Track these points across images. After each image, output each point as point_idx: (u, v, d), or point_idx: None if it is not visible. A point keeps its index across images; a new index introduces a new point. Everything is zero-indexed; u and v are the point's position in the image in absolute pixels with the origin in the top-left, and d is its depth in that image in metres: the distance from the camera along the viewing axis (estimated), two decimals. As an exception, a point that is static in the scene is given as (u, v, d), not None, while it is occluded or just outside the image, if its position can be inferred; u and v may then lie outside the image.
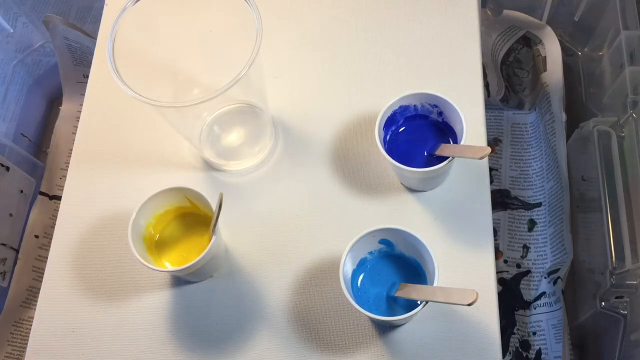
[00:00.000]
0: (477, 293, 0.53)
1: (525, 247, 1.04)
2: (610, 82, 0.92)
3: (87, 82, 0.80)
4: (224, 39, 0.64)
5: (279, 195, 0.71)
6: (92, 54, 0.82)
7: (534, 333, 0.98)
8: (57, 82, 1.20)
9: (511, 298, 1.01)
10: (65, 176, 0.75)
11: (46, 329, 0.68)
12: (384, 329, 0.64)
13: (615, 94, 0.90)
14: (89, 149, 0.76)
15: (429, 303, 0.57)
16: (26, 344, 0.68)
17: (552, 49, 1.05)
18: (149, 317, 0.67)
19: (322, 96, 0.76)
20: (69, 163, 0.76)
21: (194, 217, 0.67)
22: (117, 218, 0.71)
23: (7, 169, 1.06)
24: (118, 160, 0.75)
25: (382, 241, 0.61)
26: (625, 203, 0.83)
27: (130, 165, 0.74)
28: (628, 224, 0.82)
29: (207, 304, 0.67)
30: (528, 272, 1.02)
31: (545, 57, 1.06)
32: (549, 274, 0.98)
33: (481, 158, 0.60)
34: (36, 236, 1.09)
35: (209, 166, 0.73)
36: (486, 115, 0.73)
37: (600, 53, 0.98)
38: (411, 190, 0.70)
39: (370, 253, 0.62)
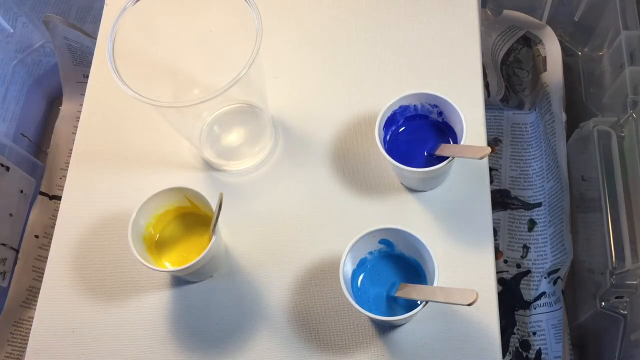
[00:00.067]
0: (477, 293, 0.53)
1: (525, 247, 1.04)
2: (610, 82, 0.92)
3: (87, 82, 0.80)
4: (224, 39, 0.64)
5: (279, 195, 0.71)
6: (92, 54, 0.82)
7: (534, 333, 0.98)
8: (57, 82, 1.20)
9: (511, 298, 1.01)
10: (65, 176, 0.75)
11: (46, 329, 0.68)
12: (384, 329, 0.64)
13: (615, 94, 0.90)
14: (89, 149, 0.76)
15: (429, 303, 0.57)
16: (26, 344, 0.68)
17: (552, 49, 1.05)
18: (149, 317, 0.67)
19: (322, 96, 0.76)
20: (69, 163, 0.76)
21: (194, 217, 0.67)
22: (117, 218, 0.71)
23: (7, 169, 1.06)
24: (118, 160, 0.75)
25: (382, 241, 0.61)
26: (625, 203, 0.83)
27: (130, 165, 0.74)
28: (628, 224, 0.82)
29: (207, 304, 0.67)
30: (528, 272, 1.02)
31: (545, 57, 1.06)
32: (549, 274, 0.98)
33: (481, 158, 0.60)
34: (36, 236, 1.09)
35: (209, 166, 0.73)
36: (486, 115, 0.73)
37: (600, 53, 0.98)
38: (411, 190, 0.70)
39: (370, 253, 0.62)
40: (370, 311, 0.58)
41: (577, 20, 1.05)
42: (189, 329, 0.66)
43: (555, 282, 0.96)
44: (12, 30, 1.15)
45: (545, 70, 1.06)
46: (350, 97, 0.75)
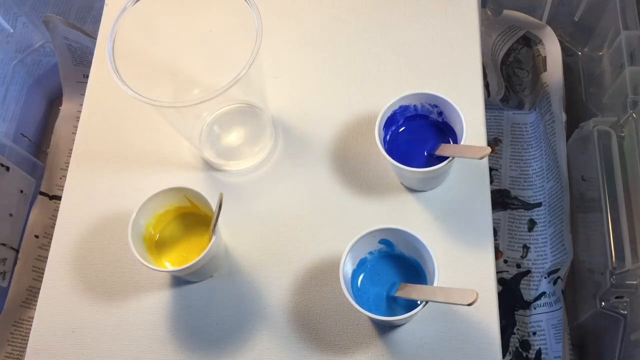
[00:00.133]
0: (477, 293, 0.53)
1: (525, 247, 1.04)
2: (610, 82, 0.92)
3: (87, 82, 0.80)
4: (224, 39, 0.64)
5: (279, 195, 0.71)
6: (92, 54, 0.82)
7: (534, 333, 0.98)
8: (57, 82, 1.20)
9: (511, 298, 1.01)
10: (65, 176, 0.75)
11: (46, 329, 0.68)
12: (384, 329, 0.64)
13: (615, 94, 0.90)
14: (89, 149, 0.76)
15: (429, 303, 0.57)
16: (26, 344, 0.68)
17: (552, 49, 1.05)
18: (149, 317, 0.67)
19: (322, 96, 0.76)
20: (69, 163, 0.76)
21: (194, 217, 0.67)
22: (117, 218, 0.71)
23: (7, 169, 1.06)
24: (118, 160, 0.75)
25: (382, 241, 0.61)
26: (625, 203, 0.83)
27: (130, 165, 0.74)
28: (628, 224, 0.82)
29: (207, 304, 0.67)
30: (528, 272, 1.02)
31: (545, 57, 1.06)
32: (549, 274, 0.98)
33: (481, 158, 0.60)
34: (36, 236, 1.09)
35: (209, 166, 0.73)
36: (486, 115, 0.73)
37: (600, 53, 0.98)
38: (411, 190, 0.70)
39: (370, 253, 0.62)
40: (370, 311, 0.58)
41: (577, 20, 1.05)
42: (189, 329, 0.66)
43: (555, 282, 0.96)
44: (12, 30, 1.15)
45: (545, 70, 1.06)
46: (350, 97, 0.75)
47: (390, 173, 0.71)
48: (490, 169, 1.09)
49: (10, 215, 1.08)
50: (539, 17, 1.06)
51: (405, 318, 0.57)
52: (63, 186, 0.75)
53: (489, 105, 1.14)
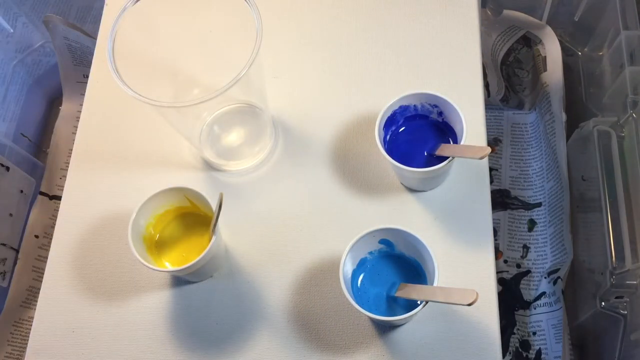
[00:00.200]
0: (477, 293, 0.53)
1: (525, 247, 1.04)
2: (610, 82, 0.92)
3: (87, 82, 0.80)
4: (224, 39, 0.64)
5: (279, 195, 0.71)
6: (92, 54, 0.82)
7: (534, 333, 0.98)
8: (57, 82, 1.20)
9: (511, 298, 1.01)
10: (65, 176, 0.75)
11: (46, 329, 0.68)
12: (384, 329, 0.64)
13: (615, 94, 0.90)
14: (89, 149, 0.76)
15: (429, 303, 0.57)
16: (26, 344, 0.68)
17: (552, 49, 1.05)
18: (149, 317, 0.67)
19: (322, 96, 0.76)
20: (69, 163, 0.76)
21: (194, 217, 0.67)
22: (117, 218, 0.71)
23: (7, 169, 1.06)
24: (118, 160, 0.75)
25: (382, 241, 0.61)
26: (625, 203, 0.83)
27: (130, 165, 0.74)
28: (628, 224, 0.82)
29: (207, 304, 0.67)
30: (528, 272, 1.02)
31: (545, 57, 1.06)
32: (549, 274, 0.98)
33: (481, 158, 0.60)
34: (36, 236, 1.09)
35: (209, 166, 0.73)
36: (486, 115, 0.73)
37: (600, 53, 0.98)
38: (411, 190, 0.70)
39: (370, 253, 0.62)
40: (370, 311, 0.58)
41: (577, 20, 1.05)
42: (189, 329, 0.66)
43: (555, 282, 0.96)
44: (12, 30, 1.15)
45: (545, 70, 1.06)
46: (350, 97, 0.75)
47: (390, 173, 0.71)
48: (490, 169, 1.09)
49: (10, 215, 1.08)
50: (539, 17, 1.06)
51: (405, 318, 0.57)
52: (63, 186, 0.75)
53: (489, 105, 1.14)
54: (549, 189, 1.05)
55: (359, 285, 0.62)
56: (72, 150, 0.76)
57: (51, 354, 0.67)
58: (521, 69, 1.12)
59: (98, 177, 0.74)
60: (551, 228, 1.02)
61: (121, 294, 0.68)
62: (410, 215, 0.68)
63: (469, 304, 0.53)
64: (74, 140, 0.77)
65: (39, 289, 0.70)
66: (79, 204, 0.73)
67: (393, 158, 0.63)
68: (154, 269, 0.61)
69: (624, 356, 0.81)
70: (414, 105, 0.67)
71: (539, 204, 1.06)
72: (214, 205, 0.62)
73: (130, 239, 0.61)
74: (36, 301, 0.70)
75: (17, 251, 1.07)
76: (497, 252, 1.04)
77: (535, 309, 0.99)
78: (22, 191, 1.11)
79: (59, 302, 0.69)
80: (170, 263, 0.65)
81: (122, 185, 0.73)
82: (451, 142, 0.66)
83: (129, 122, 0.77)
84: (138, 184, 0.73)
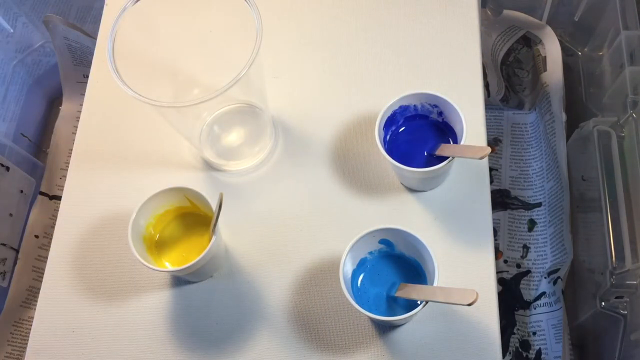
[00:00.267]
0: (477, 293, 0.53)
1: (525, 247, 1.04)
2: (610, 82, 0.92)
3: (87, 82, 0.80)
4: (224, 39, 0.64)
5: (279, 195, 0.71)
6: (92, 54, 0.82)
7: (534, 333, 0.98)
8: (57, 82, 1.20)
9: (511, 298, 1.01)
10: (65, 176, 0.75)
11: (46, 329, 0.68)
12: (384, 329, 0.64)
13: (615, 94, 0.90)
14: (89, 149, 0.76)
15: (429, 303, 0.57)
16: (26, 344, 0.68)
17: (552, 49, 1.05)
18: (149, 317, 0.67)
19: (322, 96, 0.76)
20: (69, 163, 0.76)
21: (194, 217, 0.67)
22: (117, 218, 0.71)
23: (7, 169, 1.06)
24: (118, 160, 0.75)
25: (382, 241, 0.61)
26: (625, 203, 0.83)
27: (130, 165, 0.74)
28: (628, 224, 0.82)
29: (207, 304, 0.67)
30: (528, 272, 1.02)
31: (545, 57, 1.06)
32: (549, 274, 0.98)
33: (481, 158, 0.60)
34: (36, 236, 1.09)
35: (209, 166, 0.73)
36: (486, 115, 0.73)
37: (600, 53, 0.98)
38: (411, 190, 0.70)
39: (370, 253, 0.62)
40: (370, 311, 0.58)
41: (577, 20, 1.05)
42: (189, 329, 0.66)
43: (555, 282, 0.96)
44: (12, 30, 1.15)
45: (545, 70, 1.06)
46: (350, 97, 0.75)
47: (390, 173, 0.71)
48: (490, 169, 1.09)
49: (10, 215, 1.08)
50: (539, 17, 1.06)
51: (405, 318, 0.57)
52: (63, 186, 0.75)
53: (489, 105, 1.14)
54: (549, 189, 1.05)
55: (359, 285, 0.62)
56: (72, 150, 0.76)
57: (51, 354, 0.67)
58: (521, 69, 1.12)
59: (98, 177, 0.74)
60: (551, 228, 1.02)
61: (121, 294, 0.68)
62: (410, 215, 0.68)
63: (469, 304, 0.53)
64: (74, 140, 0.77)
65: (39, 289, 0.70)
66: (79, 204, 0.73)
67: (393, 158, 0.63)
68: (154, 269, 0.61)
69: (624, 356, 0.81)
70: (414, 105, 0.67)
71: (539, 204, 1.06)
72: (214, 205, 0.62)
73: (130, 239, 0.61)
74: (36, 301, 0.70)
75: (17, 251, 1.07)
76: (497, 252, 1.04)
77: (535, 309, 0.99)
78: (22, 191, 1.11)
79: (59, 302, 0.69)
80: (170, 263, 0.65)
81: (122, 185, 0.73)
82: (451, 142, 0.66)
83: (129, 122, 0.77)
84: (138, 184, 0.73)
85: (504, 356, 0.95)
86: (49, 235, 1.08)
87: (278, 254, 0.68)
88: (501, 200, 1.08)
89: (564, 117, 1.01)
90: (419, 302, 0.57)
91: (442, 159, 0.63)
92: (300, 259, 0.68)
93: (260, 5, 0.60)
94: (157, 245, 0.66)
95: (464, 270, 0.65)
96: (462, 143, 0.63)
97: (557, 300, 0.95)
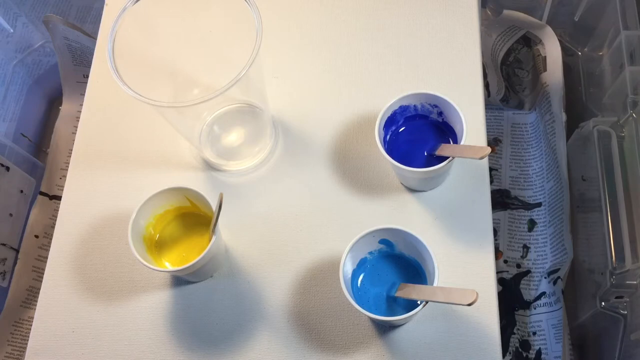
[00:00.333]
0: (477, 293, 0.53)
1: (525, 247, 1.04)
2: (610, 82, 0.92)
3: (87, 82, 0.80)
4: (224, 39, 0.64)
5: (279, 195, 0.71)
6: (92, 54, 0.82)
7: (534, 333, 0.98)
8: (57, 82, 1.20)
9: (511, 298, 1.01)
10: (65, 176, 0.76)
11: (46, 329, 0.68)
12: (384, 329, 0.64)
13: (615, 94, 0.90)
14: (89, 149, 0.76)
15: (429, 303, 0.57)
16: (26, 344, 0.68)
17: (552, 49, 1.05)
18: (149, 317, 0.67)
19: (322, 96, 0.76)
20: (69, 163, 0.76)
21: (194, 217, 0.67)
22: (117, 218, 0.71)
23: (7, 169, 1.06)
24: (118, 160, 0.75)
25: (382, 241, 0.61)
26: (625, 203, 0.83)
27: (130, 165, 0.74)
28: (628, 224, 0.82)
29: (207, 304, 0.67)
30: (528, 272, 1.02)
31: (545, 57, 1.06)
32: (549, 274, 0.98)
33: (481, 158, 0.60)
34: (36, 236, 1.09)
35: (209, 166, 0.73)
36: (486, 115, 0.73)
37: (600, 53, 0.98)
38: (411, 190, 0.70)
39: (370, 253, 0.62)
40: (370, 311, 0.58)
41: (577, 20, 1.05)
42: (189, 329, 0.66)
43: (555, 282, 0.96)
44: (12, 30, 1.15)
45: (545, 70, 1.06)
46: (350, 97, 0.75)
47: (390, 173, 0.71)
48: (490, 169, 1.09)
49: (10, 215, 1.08)
50: (539, 17, 1.06)
51: (405, 318, 0.57)
52: (63, 186, 0.75)
53: (489, 105, 1.14)
54: (549, 189, 1.05)
55: (359, 285, 0.62)
56: (72, 150, 0.76)
57: (51, 354, 0.67)
58: (521, 69, 1.12)
59: (98, 177, 0.74)
60: (551, 228, 1.02)
61: (121, 294, 0.68)
62: (410, 215, 0.68)
63: (469, 304, 0.53)
64: (74, 140, 0.77)
65: (39, 289, 0.70)
66: (79, 204, 0.73)
67: (393, 158, 0.63)
68: (154, 269, 0.61)
69: (624, 356, 0.81)
70: (414, 105, 0.67)
71: (539, 204, 1.06)
72: (214, 205, 0.62)
73: (130, 239, 0.61)
74: (36, 301, 0.70)
75: (17, 251, 1.07)
76: (497, 252, 1.04)
77: (535, 309, 0.99)
78: (22, 191, 1.11)
79: (59, 302, 0.69)
80: (170, 263, 0.65)
81: (122, 185, 0.73)
82: (451, 142, 0.66)
83: (129, 122, 0.77)
84: (138, 184, 0.73)
85: (504, 356, 0.95)
86: (49, 235, 1.08)
87: (278, 254, 0.68)
88: (501, 200, 1.08)
89: (564, 117, 1.01)
90: (419, 302, 0.57)
91: (442, 159, 0.63)
92: (300, 259, 0.68)
93: (260, 5, 0.60)
94: (157, 245, 0.66)
95: (464, 270, 0.65)
96: (462, 143, 0.63)
97: (557, 300, 0.95)
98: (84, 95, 0.79)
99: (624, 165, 0.85)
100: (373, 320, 0.64)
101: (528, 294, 1.00)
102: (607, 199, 0.85)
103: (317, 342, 0.64)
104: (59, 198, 1.09)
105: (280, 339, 0.65)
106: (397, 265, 0.62)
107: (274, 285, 0.67)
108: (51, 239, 0.72)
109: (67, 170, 0.75)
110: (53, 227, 0.76)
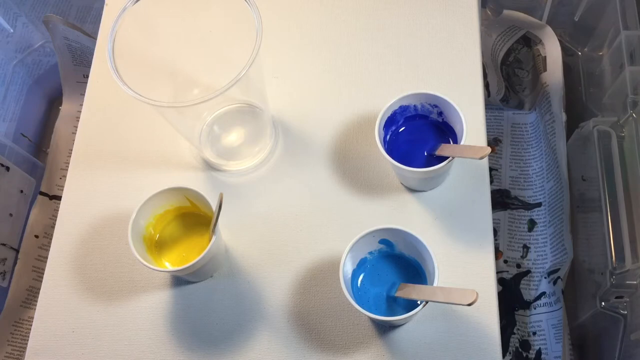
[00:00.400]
0: (477, 293, 0.53)
1: (525, 247, 1.04)
2: (610, 82, 0.92)
3: (87, 82, 0.80)
4: (224, 39, 0.64)
5: (279, 195, 0.71)
6: (92, 54, 0.82)
7: (534, 333, 0.98)
8: (57, 82, 1.20)
9: (511, 298, 1.01)
10: (65, 176, 0.76)
11: (46, 329, 0.68)
12: (384, 329, 0.64)
13: (615, 94, 0.90)
14: (89, 149, 0.76)
15: (429, 303, 0.57)
16: (26, 344, 0.68)
17: (552, 49, 1.05)
18: (149, 317, 0.67)
19: (322, 96, 0.76)
20: (69, 163, 0.76)
21: (194, 217, 0.67)
22: (117, 218, 0.71)
23: (7, 169, 1.06)
24: (118, 160, 0.75)
25: (382, 241, 0.61)
26: (625, 203, 0.83)
27: (130, 165, 0.74)
28: (628, 224, 0.82)
29: (207, 304, 0.67)
30: (528, 272, 1.02)
31: (545, 57, 1.06)
32: (549, 274, 0.98)
33: (481, 158, 0.60)
34: (36, 236, 1.09)
35: (209, 166, 0.73)
36: (486, 115, 0.73)
37: (600, 53, 0.98)
38: (411, 190, 0.70)
39: (370, 253, 0.62)
40: (370, 311, 0.58)
41: (577, 20, 1.05)
42: (189, 329, 0.66)
43: (555, 282, 0.96)
44: (12, 30, 1.15)
45: (545, 70, 1.06)
46: (350, 97, 0.75)
47: (390, 173, 0.71)
48: (490, 169, 1.09)
49: (10, 215, 1.08)
50: (539, 17, 1.06)
51: (405, 318, 0.57)
52: (63, 186, 0.75)
53: (489, 105, 1.14)
54: (549, 189, 1.05)
55: (359, 285, 0.62)
56: (72, 150, 0.76)
57: (51, 354, 0.67)
58: (521, 69, 1.12)
59: (98, 177, 0.74)
60: (551, 228, 1.02)
61: (121, 294, 0.68)
62: (410, 215, 0.68)
63: (469, 304, 0.53)
64: (74, 140, 0.77)
65: (39, 289, 0.70)
66: (79, 204, 0.73)
67: (393, 158, 0.63)
68: (154, 269, 0.61)
69: (624, 356, 0.81)
70: (414, 105, 0.67)
71: (539, 204, 1.06)
72: (214, 205, 0.62)
73: (130, 239, 0.61)
74: (36, 301, 0.70)
75: (17, 251, 1.07)
76: (497, 252, 1.04)
77: (535, 309, 0.99)
78: (22, 191, 1.11)
79: (59, 302, 0.69)
80: (170, 263, 0.65)
81: (122, 185, 0.73)
82: (451, 142, 0.66)
83: (129, 122, 0.77)
84: (138, 184, 0.73)
85: (504, 356, 0.95)
86: (49, 235, 1.08)
87: (278, 254, 0.68)
88: (501, 200, 1.08)
89: (564, 117, 1.01)
90: (419, 302, 0.57)
91: (442, 159, 0.63)
92: (300, 259, 0.68)
93: (260, 5, 0.60)
94: (157, 245, 0.66)
95: (464, 270, 0.65)
96: (462, 143, 0.63)
97: (557, 300, 0.95)
98: (84, 95, 0.79)
99: (624, 165, 0.85)
100: (373, 320, 0.64)
101: (528, 294, 1.00)
102: (607, 199, 0.85)
103: (317, 342, 0.64)
104: (59, 198, 1.09)
105: (280, 339, 0.65)
106: (397, 265, 0.62)
107: (274, 285, 0.67)
108: (51, 239, 0.72)
109: (67, 170, 0.75)
110: (53, 227, 0.76)
